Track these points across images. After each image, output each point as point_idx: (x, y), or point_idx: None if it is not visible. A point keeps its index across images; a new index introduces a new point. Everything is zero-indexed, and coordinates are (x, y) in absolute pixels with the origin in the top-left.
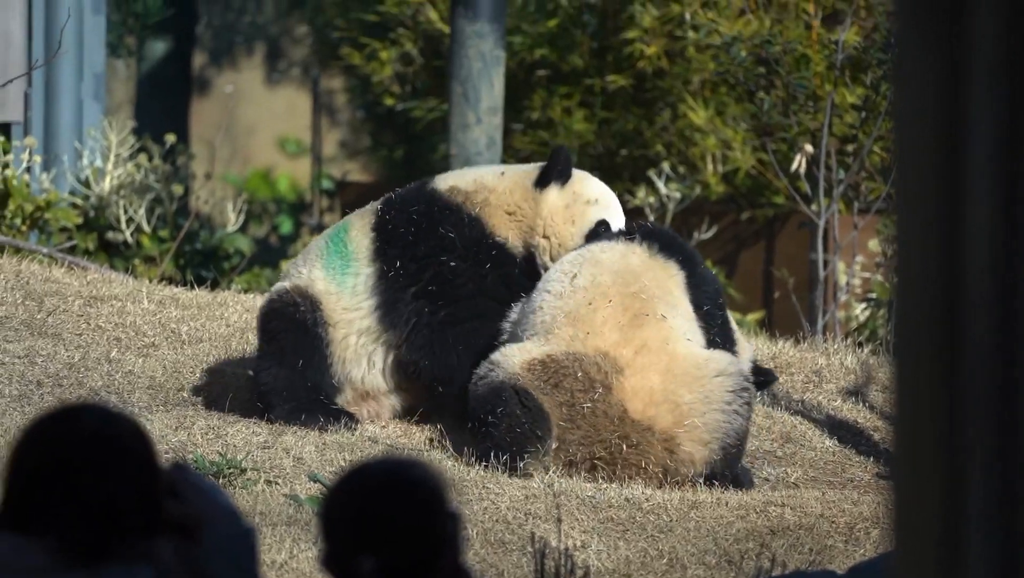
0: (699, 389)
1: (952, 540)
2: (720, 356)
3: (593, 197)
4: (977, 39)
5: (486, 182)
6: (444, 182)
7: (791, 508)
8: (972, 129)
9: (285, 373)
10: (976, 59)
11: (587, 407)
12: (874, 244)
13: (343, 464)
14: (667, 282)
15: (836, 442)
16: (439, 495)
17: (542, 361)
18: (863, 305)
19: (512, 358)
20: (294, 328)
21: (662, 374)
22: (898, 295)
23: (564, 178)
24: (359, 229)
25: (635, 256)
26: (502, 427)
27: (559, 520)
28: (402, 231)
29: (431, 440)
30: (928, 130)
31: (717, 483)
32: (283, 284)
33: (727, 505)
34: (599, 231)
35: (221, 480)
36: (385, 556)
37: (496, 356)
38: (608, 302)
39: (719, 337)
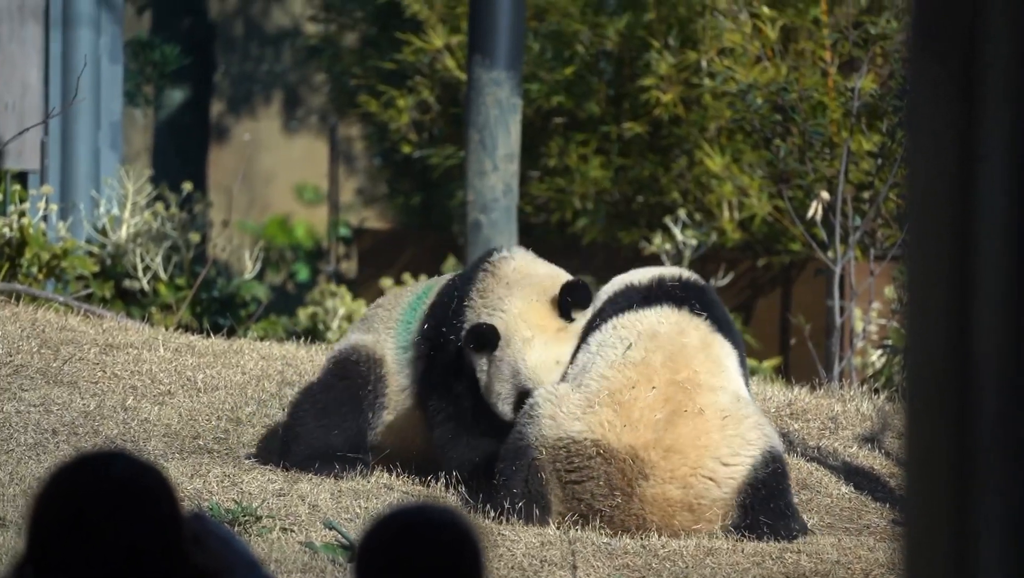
0: (726, 487)
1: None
2: (755, 443)
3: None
4: (988, 79)
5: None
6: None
7: (807, 554)
8: (984, 174)
9: (318, 426)
10: (988, 104)
11: (603, 513)
12: (890, 291)
13: (359, 511)
14: (724, 361)
15: (852, 488)
16: (478, 544)
17: (569, 448)
18: (879, 352)
19: (545, 424)
20: (354, 383)
21: (682, 486)
22: (909, 338)
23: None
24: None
25: (693, 334)
26: (518, 483)
27: (574, 567)
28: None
29: (446, 486)
30: (940, 174)
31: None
32: (359, 336)
33: (743, 552)
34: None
35: (236, 528)
36: None
37: (539, 401)
38: (651, 389)
39: None
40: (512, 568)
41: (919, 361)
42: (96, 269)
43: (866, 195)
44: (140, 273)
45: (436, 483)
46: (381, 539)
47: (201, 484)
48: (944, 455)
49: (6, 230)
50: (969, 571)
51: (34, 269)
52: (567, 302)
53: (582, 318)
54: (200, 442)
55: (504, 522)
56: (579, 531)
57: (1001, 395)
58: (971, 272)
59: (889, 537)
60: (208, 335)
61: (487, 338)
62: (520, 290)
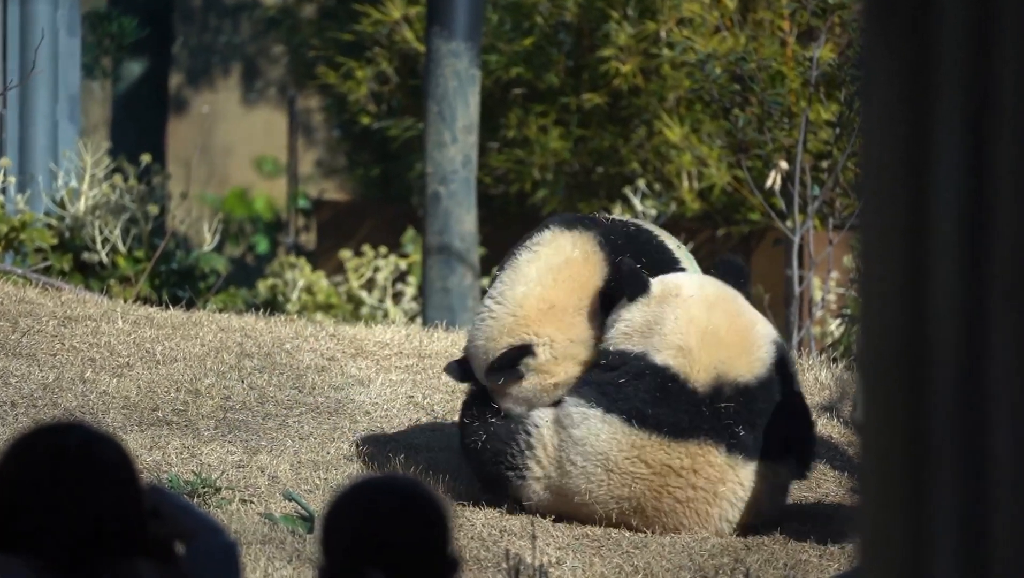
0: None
1: (919, 552)
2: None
3: None
4: (943, 51)
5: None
6: None
7: (765, 523)
8: (937, 141)
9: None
10: (941, 71)
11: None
12: (848, 260)
13: (318, 482)
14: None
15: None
16: (446, 514)
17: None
18: (838, 321)
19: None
20: None
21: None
22: (863, 308)
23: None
24: None
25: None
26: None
27: (534, 537)
28: None
29: (406, 458)
30: (894, 143)
31: None
32: None
33: None
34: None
35: (196, 499)
36: (393, 572)
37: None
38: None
39: None
40: (472, 538)
41: (874, 331)
42: (54, 242)
43: (825, 165)
44: (99, 245)
45: (398, 457)
46: (346, 508)
47: (160, 456)
48: (899, 424)
49: None
50: (925, 537)
51: None
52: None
53: None
54: (159, 414)
55: (465, 490)
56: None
57: (955, 364)
58: (925, 242)
59: (848, 505)
60: (167, 307)
61: None
62: None
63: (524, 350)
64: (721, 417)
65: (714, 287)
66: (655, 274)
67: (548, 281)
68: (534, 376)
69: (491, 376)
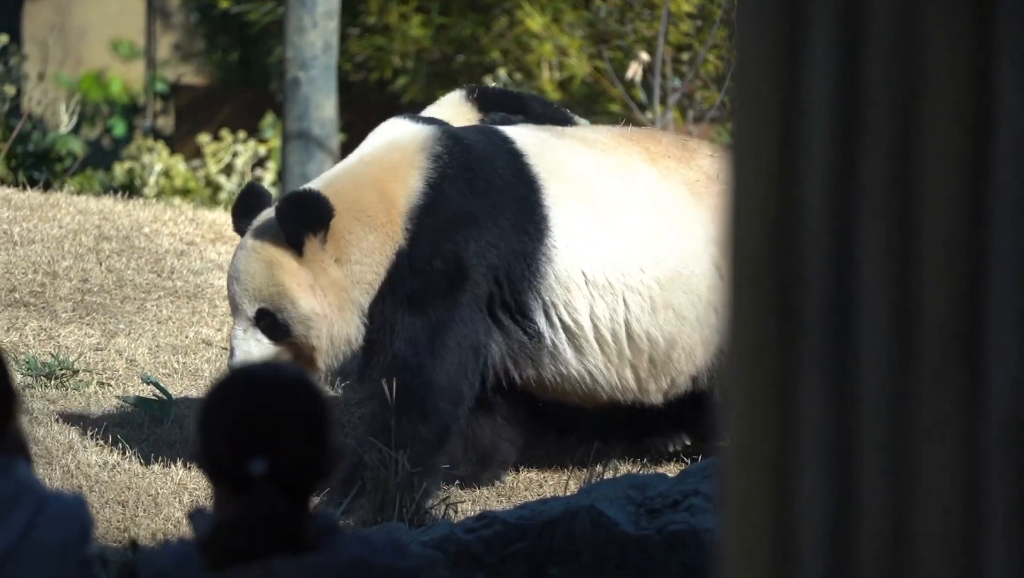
0: None
1: (785, 458)
2: None
3: None
4: None
5: None
6: None
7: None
8: (811, 36)
9: None
10: None
11: None
12: None
13: (177, 366)
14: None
15: None
16: (328, 404)
17: None
18: None
19: None
20: None
21: None
22: (731, 217)
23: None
24: None
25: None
26: None
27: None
28: None
29: None
30: (767, 34)
31: None
32: None
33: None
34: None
35: (53, 381)
36: (278, 458)
37: None
38: None
39: None
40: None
41: (741, 238)
42: None
43: (685, 57)
44: None
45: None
46: (228, 396)
47: (17, 337)
48: (767, 322)
49: None
50: (792, 443)
51: None
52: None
53: None
54: (16, 296)
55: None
56: None
57: (823, 274)
58: (797, 148)
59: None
60: (24, 188)
61: None
62: None
63: None
64: None
65: None
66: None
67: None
68: None
69: None
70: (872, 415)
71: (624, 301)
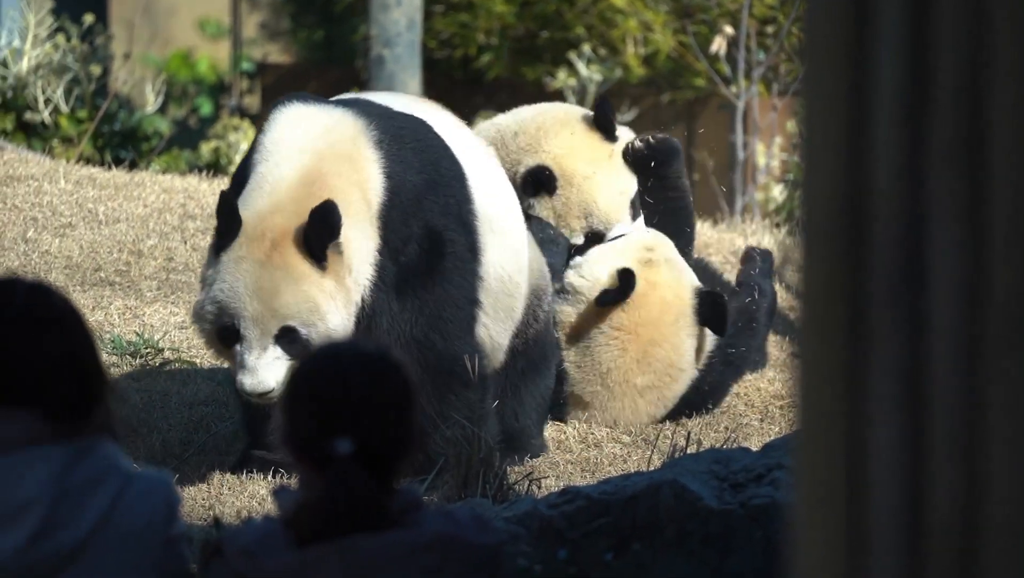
0: None
1: (856, 415)
2: None
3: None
4: None
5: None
6: None
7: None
8: (881, 12)
9: None
10: None
11: None
12: (792, 125)
13: None
14: None
15: None
16: (414, 382)
17: None
18: (781, 186)
19: None
20: None
21: None
22: (804, 170)
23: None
24: None
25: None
26: None
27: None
28: None
29: None
30: (836, 13)
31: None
32: None
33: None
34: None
35: (138, 360)
36: (362, 437)
37: None
38: None
39: None
40: None
41: (815, 195)
42: None
43: (770, 30)
44: (41, 106)
45: None
46: (314, 374)
47: (103, 316)
48: (839, 287)
49: None
50: (864, 406)
51: None
52: (607, 121)
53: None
54: (101, 275)
55: None
56: None
57: (894, 228)
58: (866, 105)
59: (789, 370)
60: (109, 168)
61: (545, 180)
62: (552, 125)
63: None
64: None
65: None
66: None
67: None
68: None
69: None
70: (942, 383)
71: (510, 245)
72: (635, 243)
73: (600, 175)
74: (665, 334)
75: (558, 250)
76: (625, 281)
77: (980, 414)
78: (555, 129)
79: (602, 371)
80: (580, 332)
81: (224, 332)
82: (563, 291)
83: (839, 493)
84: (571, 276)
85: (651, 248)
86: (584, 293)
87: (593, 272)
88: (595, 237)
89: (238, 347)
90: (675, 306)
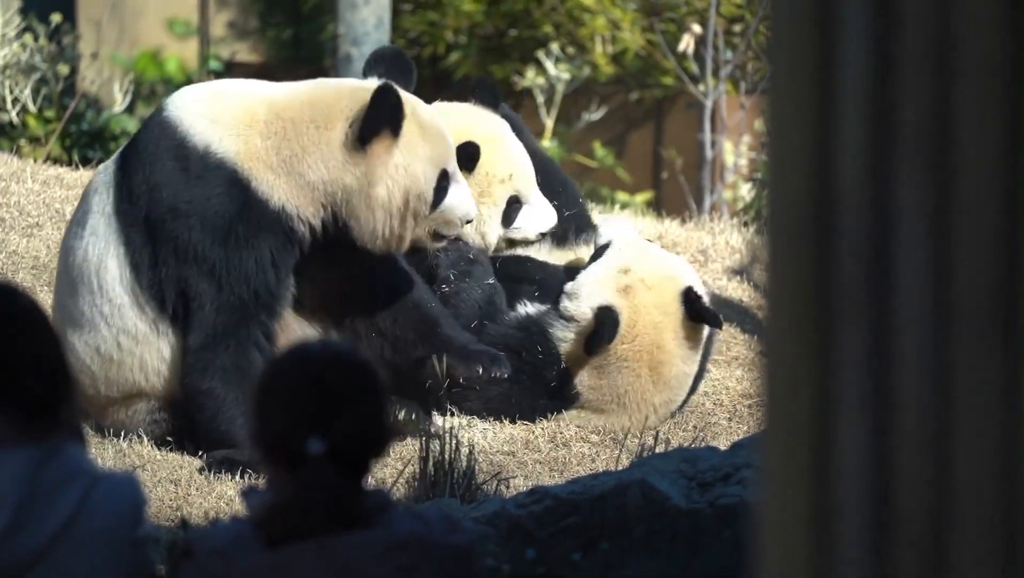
0: None
1: (822, 414)
2: None
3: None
4: None
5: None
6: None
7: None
8: (844, 5)
9: None
10: None
11: None
12: (760, 124)
13: None
14: None
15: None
16: (382, 382)
17: None
18: (749, 185)
19: None
20: None
21: None
22: (771, 168)
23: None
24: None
25: None
26: None
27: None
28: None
29: None
30: (801, 7)
31: None
32: None
33: None
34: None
35: None
36: (334, 436)
37: None
38: None
39: None
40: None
41: (782, 193)
42: None
43: (737, 29)
44: (9, 105)
45: None
46: (283, 374)
47: None
48: (806, 286)
49: None
50: (832, 397)
51: None
52: (490, 96)
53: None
54: None
55: None
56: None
57: (860, 226)
58: (832, 104)
59: (757, 368)
60: (77, 168)
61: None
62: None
63: None
64: None
65: None
66: None
67: None
68: None
69: None
70: (909, 381)
71: None
72: (611, 269)
73: (508, 137)
74: (671, 351)
75: (484, 285)
76: (605, 324)
77: (947, 412)
78: (448, 110)
79: (619, 392)
80: (586, 360)
81: None
82: (562, 317)
83: (805, 492)
84: (566, 303)
85: (626, 269)
86: (581, 322)
87: (581, 308)
88: (516, 201)
89: None
90: (668, 323)
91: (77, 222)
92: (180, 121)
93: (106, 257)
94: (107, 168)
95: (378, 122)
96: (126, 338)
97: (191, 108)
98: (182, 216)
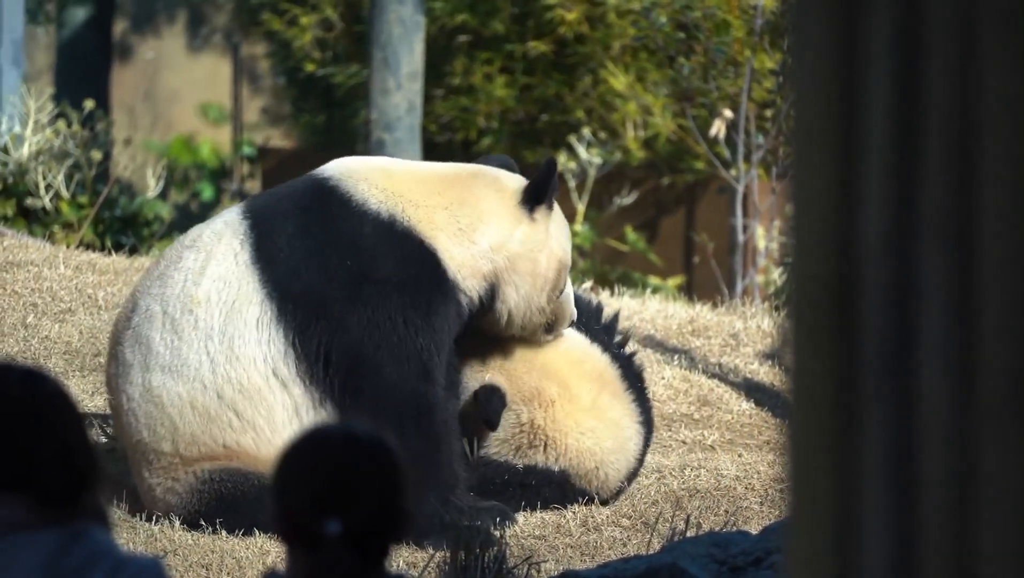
0: None
1: (847, 496)
2: None
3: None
4: (874, 4)
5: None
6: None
7: (707, 470)
8: (868, 91)
9: None
10: (872, 23)
11: None
12: (791, 208)
13: None
14: None
15: (753, 405)
16: (403, 465)
17: None
18: (780, 269)
19: None
20: None
21: None
22: (794, 248)
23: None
24: None
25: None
26: None
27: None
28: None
29: None
30: (823, 85)
31: None
32: None
33: (644, 469)
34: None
35: None
36: (351, 518)
37: None
38: None
39: None
40: None
41: (804, 274)
42: None
43: (768, 113)
44: (42, 191)
45: None
46: (302, 457)
47: (102, 401)
48: (828, 361)
49: None
50: (854, 481)
51: None
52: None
53: None
54: (101, 360)
55: None
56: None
57: (883, 307)
58: (855, 180)
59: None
60: (110, 253)
61: None
62: None
63: None
64: None
65: None
66: None
67: None
68: None
69: None
70: (933, 457)
71: None
72: None
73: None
74: (599, 405)
75: None
76: (484, 404)
77: (972, 488)
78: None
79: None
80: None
81: None
82: None
83: (830, 574)
84: None
85: None
86: None
87: None
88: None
89: None
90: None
91: (189, 269)
92: (353, 189)
93: (244, 306)
94: (228, 220)
95: (548, 189)
96: (231, 389)
97: (364, 177)
98: (369, 282)
